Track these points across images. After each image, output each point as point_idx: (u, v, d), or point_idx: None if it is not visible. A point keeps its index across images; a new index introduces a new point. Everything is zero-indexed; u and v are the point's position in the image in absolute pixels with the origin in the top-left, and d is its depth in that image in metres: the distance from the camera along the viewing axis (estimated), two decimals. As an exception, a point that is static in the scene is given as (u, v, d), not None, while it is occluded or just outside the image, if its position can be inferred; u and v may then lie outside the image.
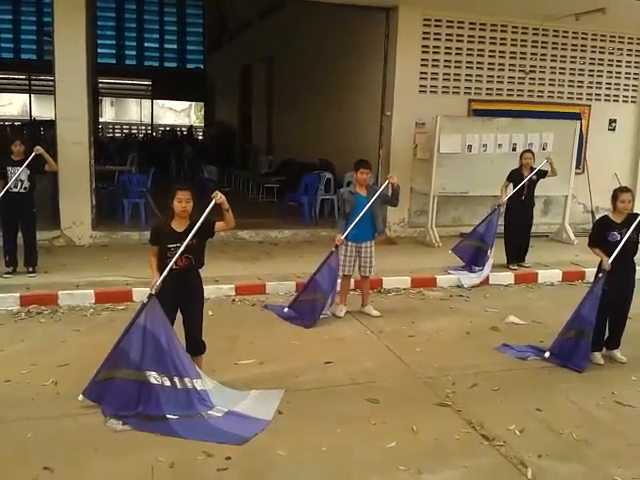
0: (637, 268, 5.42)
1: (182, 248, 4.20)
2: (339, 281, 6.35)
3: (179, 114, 37.02)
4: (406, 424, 4.13)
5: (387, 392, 4.65)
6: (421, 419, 4.22)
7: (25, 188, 6.91)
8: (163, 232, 4.34)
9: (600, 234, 5.26)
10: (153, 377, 4.13)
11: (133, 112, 30.86)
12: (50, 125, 20.55)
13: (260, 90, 17.45)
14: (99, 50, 21.88)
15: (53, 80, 8.51)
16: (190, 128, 25.41)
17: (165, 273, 4.22)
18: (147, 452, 3.72)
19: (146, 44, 25.22)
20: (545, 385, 4.91)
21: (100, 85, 21.93)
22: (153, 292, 4.21)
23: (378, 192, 6.17)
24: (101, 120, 24.34)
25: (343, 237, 6.10)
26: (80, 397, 4.21)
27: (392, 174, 6.36)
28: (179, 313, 4.50)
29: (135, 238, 8.96)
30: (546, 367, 5.24)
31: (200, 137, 25.24)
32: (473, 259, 7.82)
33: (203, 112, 27.87)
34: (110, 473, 3.52)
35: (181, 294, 4.36)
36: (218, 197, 4.25)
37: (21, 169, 6.73)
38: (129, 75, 25.03)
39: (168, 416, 4.06)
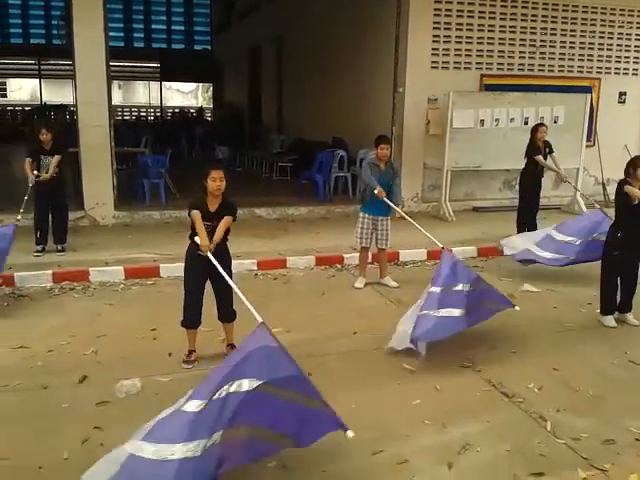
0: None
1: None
2: (357, 255, 6.57)
3: (186, 96, 36.99)
4: (430, 384, 4.38)
5: (410, 356, 4.88)
6: (444, 379, 4.46)
7: (56, 173, 7.17)
8: (201, 205, 4.52)
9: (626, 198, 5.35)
10: None
11: (140, 95, 30.94)
12: (60, 109, 20.87)
13: (270, 70, 17.54)
14: (107, 33, 21.96)
15: (71, 64, 8.71)
16: (200, 109, 25.53)
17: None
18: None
19: (153, 26, 25.27)
20: (560, 347, 5.13)
21: (109, 68, 22.05)
22: (209, 253, 4.35)
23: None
24: (110, 103, 24.47)
25: (378, 190, 6.27)
26: None
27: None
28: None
29: (156, 217, 9.21)
30: (562, 331, 5.48)
31: (209, 118, 25.35)
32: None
33: (211, 93, 27.97)
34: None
35: (212, 266, 4.55)
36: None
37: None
38: (137, 57, 25.10)
39: None
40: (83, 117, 8.71)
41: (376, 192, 6.27)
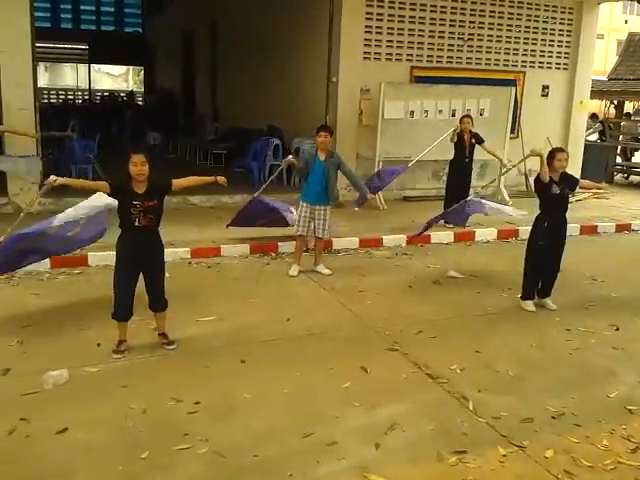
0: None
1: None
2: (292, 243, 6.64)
3: (116, 79, 35.92)
4: (359, 367, 4.51)
5: (341, 341, 5.02)
6: (372, 362, 4.60)
7: None
8: (125, 188, 4.45)
9: (546, 186, 5.62)
10: None
11: (68, 77, 29.86)
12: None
13: (204, 55, 17.29)
14: (33, 13, 21.03)
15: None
16: (130, 93, 24.89)
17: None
18: (118, 400, 3.96)
19: (82, 7, 24.38)
20: (483, 330, 5.37)
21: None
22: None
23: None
24: (36, 86, 23.50)
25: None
26: None
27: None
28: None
29: (84, 204, 8.95)
30: (484, 315, 5.72)
31: (140, 103, 24.74)
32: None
33: (142, 77, 27.28)
34: (85, 421, 3.74)
35: (144, 254, 4.49)
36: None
37: None
38: (65, 39, 24.18)
39: None
40: (7, 100, 8.35)
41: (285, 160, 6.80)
